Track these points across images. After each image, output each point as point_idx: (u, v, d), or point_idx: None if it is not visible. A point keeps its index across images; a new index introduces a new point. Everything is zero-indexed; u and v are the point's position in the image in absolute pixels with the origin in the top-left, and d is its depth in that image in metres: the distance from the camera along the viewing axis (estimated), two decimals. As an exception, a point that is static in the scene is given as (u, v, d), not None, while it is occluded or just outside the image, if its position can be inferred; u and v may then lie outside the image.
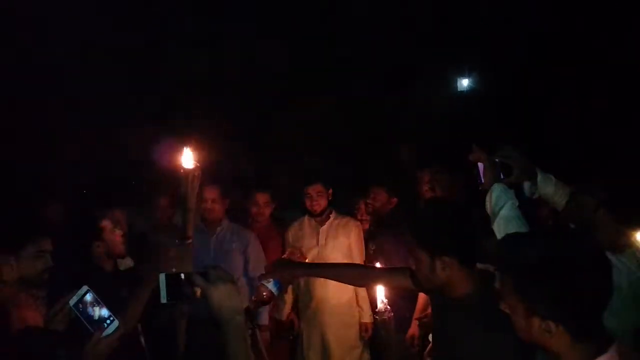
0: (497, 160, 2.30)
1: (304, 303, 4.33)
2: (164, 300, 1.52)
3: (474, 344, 1.79)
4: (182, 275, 1.53)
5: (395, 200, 4.43)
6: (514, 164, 2.32)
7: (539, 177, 2.40)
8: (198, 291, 1.49)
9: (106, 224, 3.15)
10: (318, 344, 4.22)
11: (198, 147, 2.95)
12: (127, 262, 3.87)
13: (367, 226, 4.57)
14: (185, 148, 2.92)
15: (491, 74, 8.08)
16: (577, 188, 2.46)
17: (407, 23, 7.34)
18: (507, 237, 1.60)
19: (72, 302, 1.98)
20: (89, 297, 2.00)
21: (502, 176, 2.30)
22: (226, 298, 1.46)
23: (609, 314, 1.36)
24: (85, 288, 2.01)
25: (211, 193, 4.08)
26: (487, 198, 2.18)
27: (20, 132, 5.92)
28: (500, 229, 2.07)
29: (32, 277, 2.75)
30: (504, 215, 2.08)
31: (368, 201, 4.47)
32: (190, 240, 3.10)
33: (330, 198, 4.32)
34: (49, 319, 2.01)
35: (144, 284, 2.88)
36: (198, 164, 2.97)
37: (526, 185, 2.45)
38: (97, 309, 1.98)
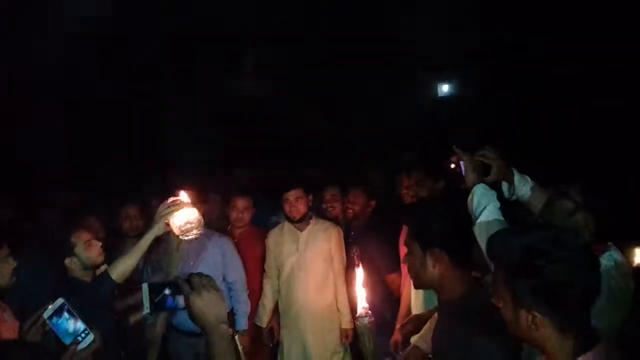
0: (476, 159, 2.31)
1: (284, 309, 4.29)
2: (146, 311, 1.49)
3: (463, 347, 1.78)
4: (165, 286, 1.49)
5: (374, 202, 4.39)
6: (492, 164, 2.33)
7: (516, 178, 2.41)
8: (181, 300, 1.46)
9: (78, 239, 3.10)
10: (299, 350, 4.18)
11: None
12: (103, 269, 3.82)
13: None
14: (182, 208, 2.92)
15: (471, 79, 8.13)
16: (555, 191, 2.46)
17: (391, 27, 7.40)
18: (499, 231, 1.62)
19: (46, 314, 1.93)
20: (64, 310, 1.95)
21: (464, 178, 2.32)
22: (210, 305, 1.44)
23: (594, 314, 1.38)
24: (60, 300, 1.96)
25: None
26: (469, 198, 2.18)
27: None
28: (481, 231, 2.06)
29: (3, 285, 2.69)
30: (485, 218, 2.08)
31: (347, 204, 4.42)
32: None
33: (310, 204, 4.29)
34: (23, 332, 1.95)
35: (139, 243, 2.89)
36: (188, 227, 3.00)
37: (505, 186, 2.45)
38: (72, 321, 1.94)
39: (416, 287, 2.15)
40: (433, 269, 1.92)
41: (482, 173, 2.28)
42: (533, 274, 1.36)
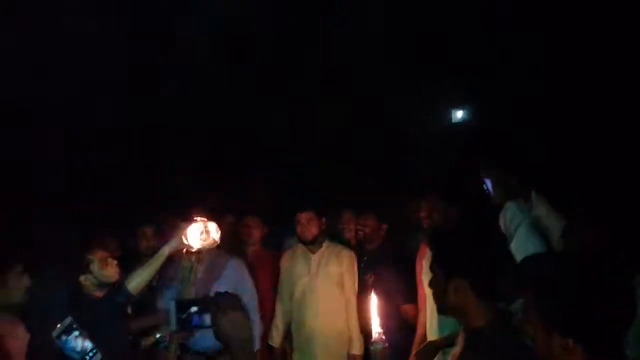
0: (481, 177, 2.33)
1: (296, 330, 4.27)
2: (173, 328, 1.51)
3: None
4: (193, 305, 1.51)
5: (385, 226, 4.36)
6: (495, 185, 2.32)
7: (534, 196, 2.38)
8: (207, 318, 1.45)
9: (94, 257, 3.11)
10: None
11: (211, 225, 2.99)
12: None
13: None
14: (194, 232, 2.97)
15: (485, 105, 8.13)
16: (568, 223, 2.44)
17: (399, 54, 7.44)
18: (531, 256, 1.60)
19: (55, 333, 1.93)
20: (72, 329, 1.95)
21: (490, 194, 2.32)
22: (236, 325, 1.47)
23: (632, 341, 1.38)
24: (69, 319, 1.96)
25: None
26: (501, 216, 2.16)
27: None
28: (518, 248, 2.04)
29: (18, 300, 2.69)
30: (520, 237, 2.06)
31: (358, 228, 4.41)
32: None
33: (323, 227, 4.28)
34: (33, 351, 1.96)
35: (156, 256, 2.90)
36: (202, 249, 3.04)
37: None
38: (80, 340, 1.94)
39: (438, 313, 2.13)
40: (455, 297, 1.90)
41: (510, 191, 2.26)
42: (568, 298, 1.36)
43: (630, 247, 2.35)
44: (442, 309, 2.02)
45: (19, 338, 2.50)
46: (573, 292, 1.36)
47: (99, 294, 3.08)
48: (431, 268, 2.02)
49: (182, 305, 1.51)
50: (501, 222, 2.16)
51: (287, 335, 4.36)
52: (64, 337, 1.97)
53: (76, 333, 2.00)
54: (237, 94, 6.87)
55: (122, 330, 3.05)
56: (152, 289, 4.03)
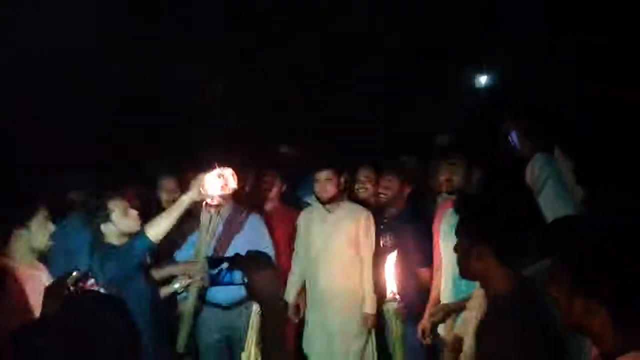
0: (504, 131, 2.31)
1: (310, 288, 4.32)
2: (206, 284, 1.54)
3: (508, 343, 1.76)
4: (224, 260, 1.54)
5: (408, 189, 4.29)
6: (519, 137, 2.30)
7: (557, 152, 2.36)
8: (238, 275, 1.53)
9: (115, 207, 3.15)
10: (322, 329, 4.21)
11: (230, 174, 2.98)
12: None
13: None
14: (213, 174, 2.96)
15: (510, 70, 8.00)
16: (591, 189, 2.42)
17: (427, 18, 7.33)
18: (558, 219, 1.60)
19: (70, 281, 1.96)
20: (88, 278, 1.98)
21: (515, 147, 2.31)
22: (268, 284, 1.50)
23: None
24: (85, 268, 1.99)
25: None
26: (528, 168, 2.15)
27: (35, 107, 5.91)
28: (547, 202, 2.04)
29: (41, 247, 2.75)
30: (548, 192, 2.05)
31: (380, 191, 4.34)
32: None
33: (342, 186, 4.26)
34: (46, 296, 1.99)
35: (175, 205, 2.94)
36: (222, 200, 3.03)
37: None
38: (95, 289, 1.97)
39: (461, 276, 2.14)
40: (477, 262, 1.90)
41: (538, 142, 2.24)
42: (596, 261, 1.38)
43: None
44: (464, 274, 2.03)
45: (41, 282, 2.56)
46: (602, 255, 1.38)
47: (118, 243, 3.14)
48: (456, 233, 2.03)
49: (214, 262, 1.54)
50: (528, 174, 2.14)
51: (302, 291, 4.41)
52: (80, 285, 1.99)
53: (91, 281, 2.02)
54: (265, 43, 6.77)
55: (141, 278, 3.10)
56: (171, 241, 4.07)
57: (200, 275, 3.20)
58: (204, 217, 3.44)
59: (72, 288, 1.96)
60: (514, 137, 2.28)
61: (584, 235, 1.46)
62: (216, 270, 1.54)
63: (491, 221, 1.92)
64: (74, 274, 1.99)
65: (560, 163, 2.36)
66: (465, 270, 2.00)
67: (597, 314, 1.37)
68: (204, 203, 3.21)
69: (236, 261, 1.54)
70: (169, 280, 3.50)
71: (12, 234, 2.67)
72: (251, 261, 1.53)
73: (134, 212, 3.19)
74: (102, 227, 3.10)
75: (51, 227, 2.80)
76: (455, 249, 2.06)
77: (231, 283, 1.53)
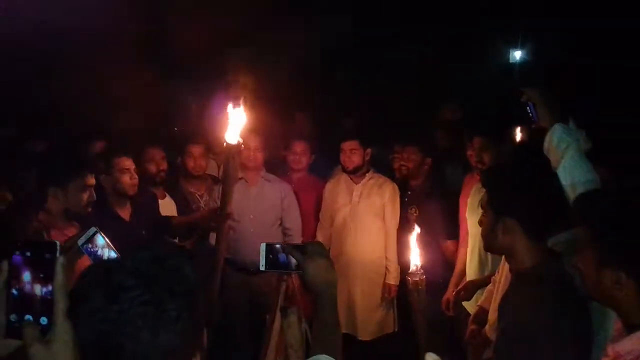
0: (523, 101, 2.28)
1: (335, 257, 4.31)
2: (262, 268, 1.59)
3: (531, 318, 1.74)
4: (280, 246, 1.59)
5: (430, 160, 4.25)
6: (539, 107, 2.25)
7: (572, 124, 2.30)
8: (293, 260, 1.57)
9: (117, 163, 3.27)
10: (345, 298, 4.23)
11: (243, 110, 2.96)
12: (167, 203, 3.94)
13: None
14: (231, 121, 2.94)
15: (544, 45, 7.85)
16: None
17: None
18: (585, 193, 1.60)
19: (80, 241, 2.00)
20: (98, 239, 2.01)
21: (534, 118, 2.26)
22: (322, 271, 1.53)
23: None
24: (94, 229, 2.02)
25: (256, 142, 4.06)
26: (547, 138, 2.10)
27: (68, 73, 5.96)
28: (566, 174, 1.99)
29: (77, 209, 2.82)
30: (569, 161, 2.00)
31: (402, 163, 4.33)
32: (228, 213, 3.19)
33: (367, 157, 4.28)
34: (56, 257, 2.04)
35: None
36: (241, 140, 3.00)
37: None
38: (106, 251, 1.99)
39: (485, 250, 2.13)
40: (503, 236, 1.88)
41: (558, 112, 2.19)
42: (623, 232, 1.38)
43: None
44: (490, 248, 2.02)
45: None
46: (630, 226, 1.38)
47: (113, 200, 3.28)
48: (482, 205, 2.00)
49: (271, 248, 1.58)
50: (545, 144, 2.09)
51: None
52: (89, 247, 2.02)
53: (100, 242, 2.05)
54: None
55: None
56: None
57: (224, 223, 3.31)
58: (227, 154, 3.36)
59: (83, 247, 2.00)
60: (531, 108, 2.24)
61: (612, 207, 1.44)
62: (273, 255, 1.58)
63: (518, 194, 1.88)
64: (84, 235, 2.03)
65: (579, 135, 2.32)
66: (491, 245, 1.97)
67: (626, 286, 1.37)
68: (224, 144, 3.16)
69: (292, 248, 1.58)
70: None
71: (49, 192, 2.74)
72: (307, 250, 1.56)
73: (134, 176, 3.34)
74: (102, 177, 3.23)
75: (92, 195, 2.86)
76: (480, 222, 2.05)
77: (286, 267, 1.57)
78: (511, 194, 1.90)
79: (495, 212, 1.91)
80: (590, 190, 1.62)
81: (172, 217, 3.82)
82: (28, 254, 1.02)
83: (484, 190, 2.07)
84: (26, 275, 1.01)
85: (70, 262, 2.02)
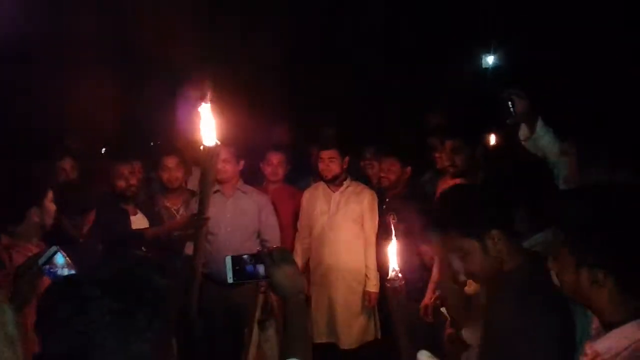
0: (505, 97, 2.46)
1: (314, 267, 4.34)
2: (230, 280, 1.58)
3: (512, 320, 1.71)
4: (246, 257, 1.59)
5: (409, 169, 4.25)
6: (519, 104, 2.43)
7: (539, 125, 2.48)
8: (261, 269, 1.58)
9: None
10: (326, 307, 4.23)
11: (219, 115, 2.92)
12: (139, 219, 3.87)
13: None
14: (205, 123, 2.89)
15: (516, 50, 7.96)
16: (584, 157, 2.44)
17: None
18: (559, 193, 1.60)
19: (40, 261, 1.94)
20: (57, 258, 1.96)
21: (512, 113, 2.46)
22: (288, 277, 1.55)
23: None
24: (54, 248, 1.96)
25: (224, 153, 3.94)
26: (524, 129, 2.19)
27: (35, 88, 5.87)
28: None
29: (49, 222, 2.77)
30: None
31: (381, 174, 4.30)
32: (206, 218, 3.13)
33: (345, 166, 4.28)
34: (17, 277, 1.98)
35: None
36: (219, 142, 2.95)
37: (523, 129, 2.57)
38: (65, 270, 1.94)
39: (483, 282, 1.97)
40: (496, 250, 1.78)
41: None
42: (599, 231, 1.37)
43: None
44: (487, 274, 1.88)
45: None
46: (605, 225, 1.37)
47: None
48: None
49: (237, 260, 1.57)
50: (525, 134, 2.21)
51: (305, 270, 4.41)
52: (49, 267, 1.96)
53: (61, 261, 1.99)
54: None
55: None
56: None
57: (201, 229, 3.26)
58: (205, 155, 3.26)
59: (43, 267, 1.95)
60: (512, 103, 2.36)
61: (586, 206, 1.44)
62: (239, 266, 1.57)
63: (483, 209, 1.82)
64: (45, 253, 1.97)
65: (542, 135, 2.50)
66: (486, 271, 1.84)
67: (603, 285, 1.36)
68: (201, 147, 3.09)
69: (258, 257, 1.58)
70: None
71: (26, 213, 2.66)
72: (272, 256, 1.57)
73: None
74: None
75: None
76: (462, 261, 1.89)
77: (255, 277, 1.56)
78: (477, 209, 1.83)
79: (477, 237, 1.81)
80: (563, 190, 1.62)
81: (146, 229, 3.76)
82: None
83: None
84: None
85: (30, 283, 1.96)
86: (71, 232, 3.04)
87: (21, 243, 2.64)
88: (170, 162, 4.10)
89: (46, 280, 1.97)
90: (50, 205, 2.72)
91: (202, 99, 2.91)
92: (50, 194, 2.73)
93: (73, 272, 1.93)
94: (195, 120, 2.96)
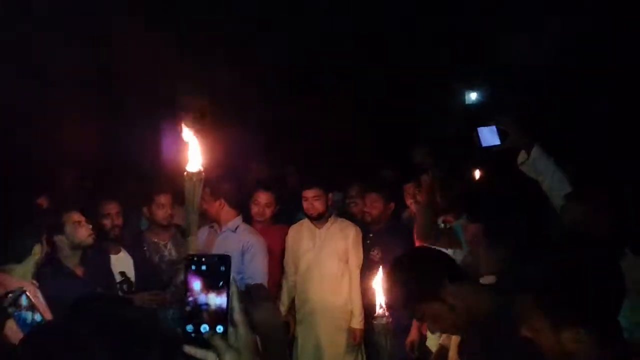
0: (493, 124, 2.53)
1: (300, 304, 4.32)
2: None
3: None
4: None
5: (392, 205, 4.31)
6: (510, 130, 2.49)
7: (536, 150, 2.53)
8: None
9: (67, 219, 3.20)
10: (312, 346, 4.20)
11: (203, 145, 2.90)
12: (122, 258, 3.81)
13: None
14: (189, 149, 2.88)
15: (500, 87, 8.10)
16: (570, 192, 2.49)
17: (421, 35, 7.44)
18: (514, 256, 1.59)
19: (6, 302, 1.91)
20: (23, 300, 1.93)
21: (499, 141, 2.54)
22: (267, 315, 1.55)
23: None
24: (20, 289, 1.94)
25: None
26: (523, 155, 2.34)
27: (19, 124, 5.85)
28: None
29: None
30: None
31: (365, 210, 4.34)
32: (192, 237, 3.09)
33: (330, 203, 4.29)
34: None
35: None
36: (201, 168, 2.93)
37: (521, 155, 2.60)
38: (30, 313, 1.91)
39: (458, 334, 2.06)
40: (460, 302, 1.84)
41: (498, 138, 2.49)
42: (575, 287, 1.34)
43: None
44: (458, 328, 1.96)
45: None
46: (577, 281, 1.34)
47: (73, 258, 3.22)
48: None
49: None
50: (522, 159, 2.41)
51: (291, 307, 4.39)
52: (13, 308, 1.93)
53: (26, 304, 1.96)
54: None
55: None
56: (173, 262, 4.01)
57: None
58: (188, 185, 3.22)
59: (9, 309, 1.92)
60: (479, 132, 2.44)
61: (553, 265, 1.39)
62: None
63: (432, 271, 1.90)
64: (10, 295, 1.94)
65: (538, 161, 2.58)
66: (457, 326, 1.91)
67: (586, 341, 1.33)
68: (184, 173, 3.06)
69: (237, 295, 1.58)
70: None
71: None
72: (250, 295, 1.59)
73: (87, 225, 3.25)
74: (56, 238, 3.13)
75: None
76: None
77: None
78: (427, 272, 1.91)
79: (435, 295, 1.88)
80: (523, 255, 1.54)
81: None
82: (203, 267, 1.07)
83: None
84: (197, 286, 1.06)
85: None
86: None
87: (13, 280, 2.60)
88: (164, 199, 4.07)
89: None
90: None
91: (187, 125, 2.90)
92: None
93: (37, 315, 1.89)
94: (181, 147, 2.95)
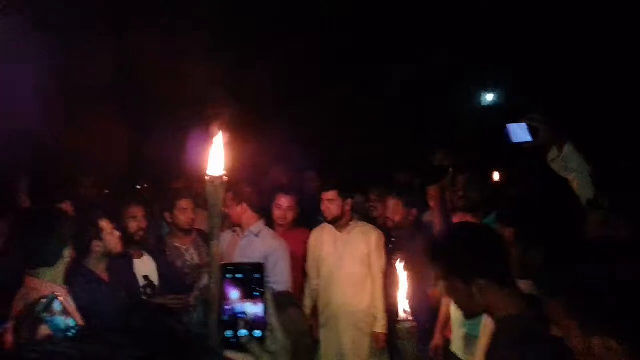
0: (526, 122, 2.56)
1: (322, 308, 4.32)
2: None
3: None
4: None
5: (415, 211, 4.31)
6: (539, 127, 2.53)
7: (568, 146, 2.54)
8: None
9: (105, 224, 3.23)
10: (335, 350, 4.20)
11: (226, 149, 2.93)
12: (146, 261, 3.85)
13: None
14: (211, 152, 2.90)
15: (516, 89, 8.07)
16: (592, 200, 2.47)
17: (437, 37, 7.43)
18: (549, 260, 1.57)
19: (39, 308, 1.94)
20: (56, 305, 1.95)
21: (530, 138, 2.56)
22: (295, 322, 1.60)
23: None
24: (52, 295, 1.96)
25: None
26: (554, 152, 2.37)
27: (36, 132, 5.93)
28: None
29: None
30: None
31: (387, 216, 4.35)
32: (215, 242, 3.10)
33: (347, 207, 4.27)
34: (17, 325, 1.97)
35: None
36: (225, 173, 2.95)
37: (553, 151, 2.62)
38: (63, 318, 1.93)
39: (467, 318, 2.08)
40: (481, 297, 1.86)
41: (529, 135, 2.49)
42: (605, 299, 1.30)
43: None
44: (470, 314, 1.99)
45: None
46: (608, 290, 1.30)
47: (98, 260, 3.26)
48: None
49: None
50: (552, 156, 2.42)
51: (314, 311, 4.39)
52: (46, 314, 1.96)
53: (60, 309, 1.99)
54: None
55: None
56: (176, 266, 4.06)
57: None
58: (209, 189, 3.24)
59: (42, 314, 1.94)
60: (509, 129, 2.46)
61: (583, 273, 1.35)
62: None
63: (473, 255, 1.90)
64: (42, 301, 1.97)
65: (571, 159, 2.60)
66: (471, 311, 1.94)
67: (617, 351, 1.30)
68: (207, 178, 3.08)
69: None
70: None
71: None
72: (276, 301, 1.56)
73: (116, 234, 3.30)
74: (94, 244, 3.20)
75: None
76: (448, 295, 2.02)
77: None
78: (466, 257, 1.90)
79: (462, 280, 1.89)
80: (558, 260, 1.52)
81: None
82: (239, 275, 1.12)
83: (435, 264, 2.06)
84: (234, 295, 1.11)
85: (30, 330, 1.94)
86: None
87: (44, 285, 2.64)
88: (186, 204, 4.15)
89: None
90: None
91: (213, 130, 2.94)
92: None
93: (70, 319, 1.92)
94: (204, 152, 2.98)
